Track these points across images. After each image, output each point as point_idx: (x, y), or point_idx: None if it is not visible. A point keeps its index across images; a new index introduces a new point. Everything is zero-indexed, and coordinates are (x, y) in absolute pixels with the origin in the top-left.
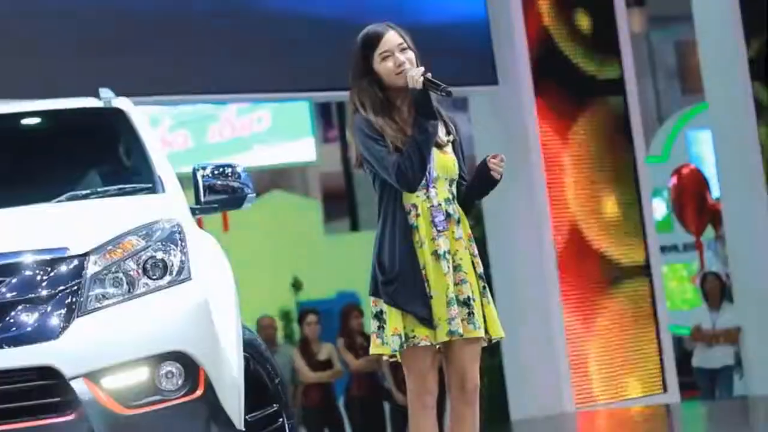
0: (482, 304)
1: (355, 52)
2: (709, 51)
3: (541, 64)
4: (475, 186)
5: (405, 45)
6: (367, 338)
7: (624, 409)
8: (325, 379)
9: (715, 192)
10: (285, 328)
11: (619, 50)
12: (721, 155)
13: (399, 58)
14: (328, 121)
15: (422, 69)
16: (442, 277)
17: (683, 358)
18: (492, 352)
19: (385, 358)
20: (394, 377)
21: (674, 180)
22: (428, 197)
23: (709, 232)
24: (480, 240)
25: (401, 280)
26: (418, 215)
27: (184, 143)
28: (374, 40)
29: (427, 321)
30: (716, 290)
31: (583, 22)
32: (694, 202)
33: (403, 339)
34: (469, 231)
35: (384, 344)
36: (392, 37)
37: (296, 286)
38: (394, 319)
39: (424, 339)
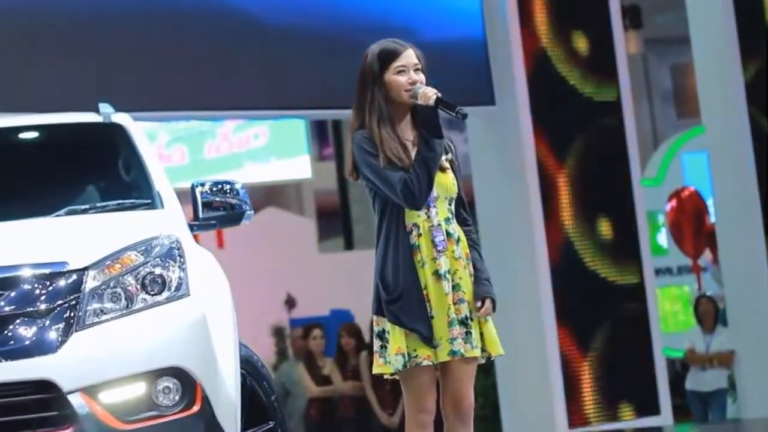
0: (480, 323)
1: (369, 62)
2: (706, 74)
3: (537, 84)
4: None
5: (419, 66)
6: (358, 358)
7: (616, 430)
8: (330, 393)
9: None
10: (278, 344)
11: (616, 72)
12: (717, 179)
13: (413, 76)
14: (324, 138)
15: (434, 89)
16: (442, 297)
17: (676, 380)
18: (486, 373)
19: (386, 376)
20: (377, 396)
21: (673, 202)
22: (429, 217)
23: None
24: None
25: (405, 299)
26: (419, 235)
27: (180, 158)
28: (394, 53)
29: (428, 340)
30: (710, 313)
31: (580, 43)
32: (692, 225)
33: (406, 358)
34: (468, 250)
35: (386, 363)
36: (410, 55)
37: (289, 303)
38: (398, 339)
39: (426, 358)
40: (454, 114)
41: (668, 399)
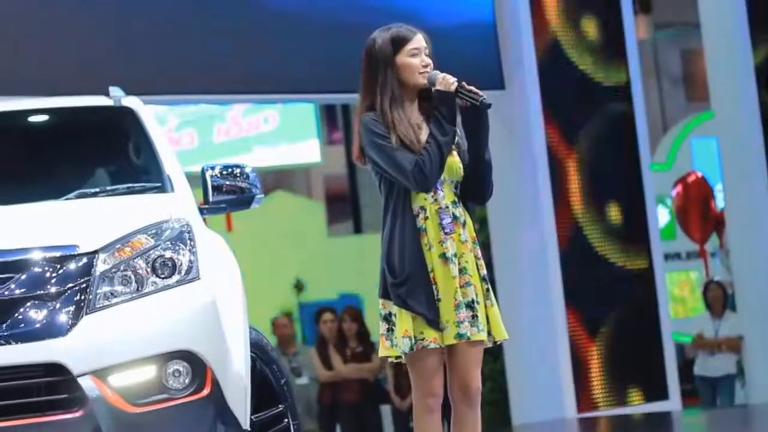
0: (485, 306)
1: (379, 45)
2: (715, 59)
3: (547, 69)
4: (471, 138)
5: (428, 51)
6: (362, 342)
7: (625, 415)
8: (334, 378)
9: (720, 201)
10: None
11: (626, 57)
12: (726, 164)
13: (425, 59)
14: (333, 123)
15: (453, 77)
16: (450, 280)
17: (685, 365)
18: (494, 357)
19: (391, 360)
20: (395, 381)
21: (679, 188)
22: (436, 200)
23: (714, 240)
24: (484, 244)
25: (411, 282)
26: (426, 218)
27: (190, 142)
28: (406, 37)
29: (435, 323)
30: (719, 299)
31: (590, 28)
32: (698, 211)
33: (413, 341)
34: (474, 234)
35: (393, 346)
36: (421, 40)
37: (298, 287)
38: (405, 321)
39: (433, 341)
40: (477, 103)
41: (677, 384)
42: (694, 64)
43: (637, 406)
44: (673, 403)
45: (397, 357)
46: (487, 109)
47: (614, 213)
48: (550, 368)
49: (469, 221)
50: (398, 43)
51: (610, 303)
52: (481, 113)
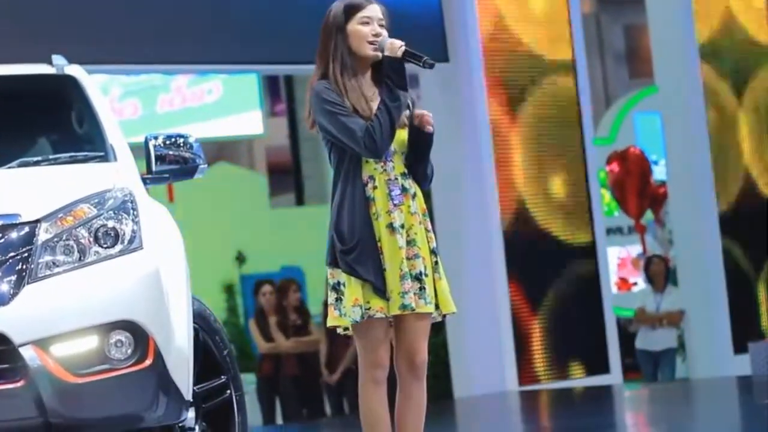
0: (434, 279)
1: (333, 14)
2: (659, 34)
3: (492, 42)
4: (413, 152)
5: (383, 22)
6: (301, 315)
7: (566, 389)
8: (274, 350)
9: (658, 175)
10: (228, 300)
11: (571, 32)
12: (669, 138)
13: (377, 29)
14: (276, 95)
15: (401, 41)
16: (396, 251)
17: (626, 339)
18: (437, 330)
19: (339, 330)
20: (328, 355)
21: (617, 162)
22: (385, 170)
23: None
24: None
25: (360, 250)
26: (375, 187)
27: (133, 112)
28: (360, 5)
29: (381, 291)
30: (661, 273)
31: (535, 2)
32: (636, 185)
33: (363, 310)
34: (424, 206)
35: (342, 316)
36: (376, 9)
37: (240, 259)
38: (354, 290)
39: (380, 310)
40: (420, 64)
41: (618, 358)
42: (638, 40)
43: (579, 380)
44: (614, 376)
45: (345, 328)
46: (430, 68)
47: (557, 187)
48: (492, 341)
49: (419, 193)
50: (350, 11)
51: (552, 277)
52: (428, 138)
